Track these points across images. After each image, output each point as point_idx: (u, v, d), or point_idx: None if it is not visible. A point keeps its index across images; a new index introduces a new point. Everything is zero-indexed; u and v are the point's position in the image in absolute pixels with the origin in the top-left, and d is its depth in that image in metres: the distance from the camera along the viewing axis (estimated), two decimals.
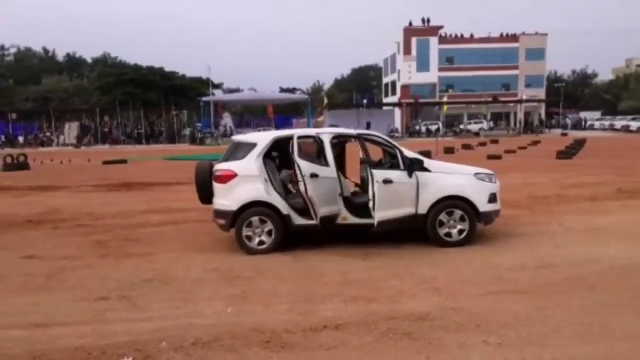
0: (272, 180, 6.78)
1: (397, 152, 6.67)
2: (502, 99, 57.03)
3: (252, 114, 66.87)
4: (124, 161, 23.52)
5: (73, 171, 19.81)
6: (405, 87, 61.92)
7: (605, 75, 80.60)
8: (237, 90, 71.22)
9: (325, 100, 49.39)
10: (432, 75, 61.76)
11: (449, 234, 6.67)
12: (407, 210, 6.55)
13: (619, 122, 52.51)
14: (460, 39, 62.37)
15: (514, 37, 61.84)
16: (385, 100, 70.53)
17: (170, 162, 23.86)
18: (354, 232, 6.96)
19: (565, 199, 10.44)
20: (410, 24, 62.29)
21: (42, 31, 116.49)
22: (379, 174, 6.42)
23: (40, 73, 70.17)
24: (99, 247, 7.19)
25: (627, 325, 4.10)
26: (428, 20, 62.31)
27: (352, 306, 4.65)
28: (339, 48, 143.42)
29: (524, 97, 56.24)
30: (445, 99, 47.91)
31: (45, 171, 19.93)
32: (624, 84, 69.53)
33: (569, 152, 21.74)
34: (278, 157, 7.61)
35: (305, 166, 6.37)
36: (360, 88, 77.09)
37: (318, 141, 6.83)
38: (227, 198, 6.66)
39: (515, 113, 60.21)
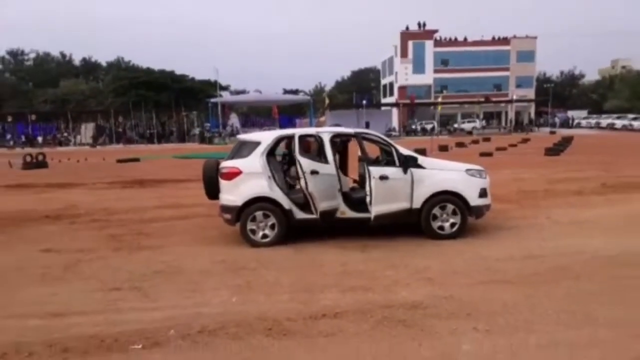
0: (275, 177, 6.77)
1: (393, 149, 6.67)
2: (494, 99, 56.85)
3: (258, 114, 66.83)
4: (137, 159, 23.52)
5: (89, 169, 19.83)
6: (402, 88, 61.70)
7: (591, 76, 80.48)
8: (243, 92, 71.03)
9: (327, 101, 49.26)
10: (427, 77, 61.55)
11: (441, 227, 6.67)
12: (402, 204, 6.55)
13: (604, 121, 52.36)
14: (454, 42, 62.11)
15: (505, 40, 61.54)
16: (383, 100, 70.28)
17: (180, 160, 23.84)
18: (352, 226, 6.96)
19: (552, 193, 10.41)
20: (407, 28, 62.03)
21: (60, 37, 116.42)
22: (376, 171, 6.42)
23: (58, 77, 70.09)
24: (113, 240, 7.21)
25: (609, 313, 4.10)
26: (424, 25, 62.05)
27: (350, 295, 4.66)
28: (339, 51, 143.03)
29: (515, 97, 56.01)
30: (440, 99, 47.65)
31: (63, 169, 19.96)
32: (609, 84, 69.29)
33: (556, 149, 21.69)
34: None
35: (306, 163, 6.37)
36: (360, 89, 76.78)
37: (318, 140, 6.83)
38: (232, 194, 6.66)
39: (506, 112, 60.01)
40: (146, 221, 8.56)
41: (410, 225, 6.77)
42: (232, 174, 6.69)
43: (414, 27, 62.06)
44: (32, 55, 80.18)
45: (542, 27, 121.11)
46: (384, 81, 72.11)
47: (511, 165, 16.67)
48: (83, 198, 11.54)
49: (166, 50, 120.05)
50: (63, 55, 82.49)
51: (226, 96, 57.84)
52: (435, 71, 61.46)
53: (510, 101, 56.37)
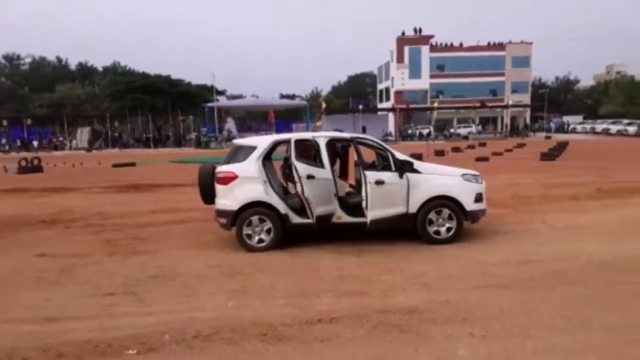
0: (271, 181, 6.77)
1: (389, 154, 6.69)
2: (489, 104, 57.11)
3: (254, 119, 66.79)
4: (132, 164, 23.47)
5: (84, 174, 19.76)
6: (398, 93, 61.91)
7: (586, 81, 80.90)
8: (240, 97, 71.13)
9: (324, 106, 49.31)
10: (423, 82, 61.79)
11: (437, 232, 6.68)
12: (398, 209, 6.56)
13: (599, 126, 52.56)
14: (450, 48, 62.42)
15: (500, 46, 61.88)
16: (379, 105, 70.47)
17: (176, 165, 23.80)
18: (348, 231, 6.96)
19: (548, 198, 10.45)
20: (403, 33, 62.32)
21: (55, 41, 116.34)
22: (372, 175, 6.42)
23: (54, 81, 69.89)
24: (108, 245, 7.18)
25: (604, 318, 4.11)
26: (420, 30, 62.35)
27: (345, 300, 4.64)
28: (336, 56, 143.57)
29: (510, 103, 56.28)
30: (436, 104, 47.76)
31: (58, 174, 19.87)
32: (604, 89, 69.75)
33: (552, 154, 21.78)
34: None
35: (302, 168, 6.38)
36: (356, 94, 77.01)
37: (314, 144, 6.83)
38: (228, 198, 6.65)
39: (502, 117, 60.29)
40: (141, 226, 8.53)
41: (407, 230, 6.77)
42: (228, 179, 6.68)
43: (410, 33, 62.37)
44: (28, 60, 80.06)
45: (537, 32, 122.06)
46: (381, 86, 72.33)
47: (507, 170, 16.72)
48: (78, 202, 11.49)
49: (163, 55, 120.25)
50: (59, 59, 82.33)
51: (222, 101, 57.85)
52: (432, 76, 61.72)
53: (506, 106, 56.65)
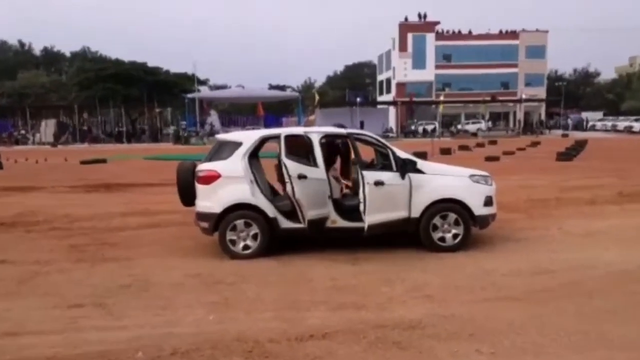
0: (258, 181, 6.76)
1: (390, 152, 6.69)
2: (500, 98, 57.42)
3: (240, 112, 66.78)
4: (103, 161, 23.36)
5: (49, 171, 19.61)
6: (400, 85, 62.16)
7: (608, 74, 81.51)
8: (224, 87, 71.12)
9: (317, 98, 49.44)
10: (428, 73, 62.07)
11: (442, 239, 6.70)
12: (399, 213, 6.57)
13: (621, 123, 53.02)
14: (458, 36, 62.75)
15: (513, 34, 62.31)
16: (379, 98, 70.73)
17: (152, 162, 23.71)
18: (343, 236, 6.96)
19: (564, 202, 10.52)
20: (406, 19, 62.57)
21: (18, 24, 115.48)
22: (370, 176, 6.43)
23: (16, 67, 69.46)
24: (74, 251, 7.13)
25: (625, 333, 4.13)
26: (425, 16, 62.64)
27: (340, 314, 4.64)
28: (331, 44, 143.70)
29: (524, 97, 56.67)
30: (442, 98, 48.14)
31: (20, 171, 19.73)
32: (627, 83, 70.25)
33: (569, 153, 21.91)
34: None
35: (292, 167, 6.36)
36: (354, 86, 77.28)
37: (307, 141, 6.82)
38: (210, 200, 6.63)
39: (514, 113, 60.66)
40: (112, 230, 8.50)
41: (408, 235, 6.79)
42: (210, 178, 6.66)
43: (413, 18, 62.59)
44: None
45: (554, 20, 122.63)
46: (381, 77, 72.55)
47: (519, 170, 16.81)
48: (42, 203, 11.41)
49: (138, 40, 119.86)
50: (22, 43, 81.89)
51: (204, 91, 57.80)
52: (437, 67, 62.01)
53: (519, 101, 57.00)
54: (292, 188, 6.34)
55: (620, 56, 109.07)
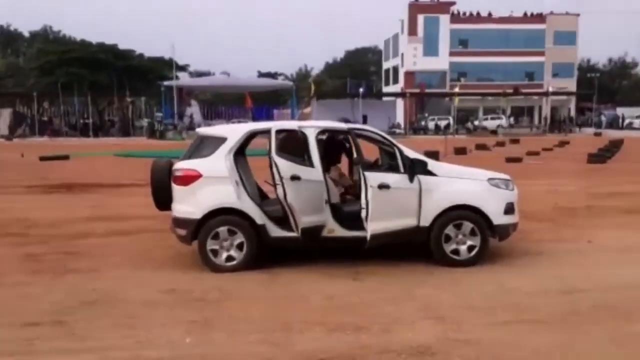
0: (244, 182, 6.76)
1: (397, 151, 6.69)
2: (524, 90, 57.70)
3: (225, 103, 66.82)
4: (65, 157, 23.41)
5: (2, 168, 19.61)
6: (409, 74, 62.37)
7: None
8: (207, 74, 71.13)
9: (313, 88, 49.57)
10: (441, 61, 62.31)
11: (456, 251, 6.70)
12: (406, 221, 6.57)
13: None
14: (476, 18, 63.03)
15: (540, 17, 62.64)
16: (385, 89, 71.03)
17: (123, 160, 23.76)
18: (342, 247, 6.96)
19: (596, 211, 10.57)
20: None
21: None
22: (374, 178, 6.42)
23: None
24: (31, 261, 7.12)
25: None
26: None
27: (337, 337, 4.64)
28: (331, 26, 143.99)
29: (551, 89, 56.91)
30: (457, 90, 48.28)
31: None
32: None
33: (602, 155, 22.03)
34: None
35: (284, 166, 6.34)
36: (356, 74, 77.38)
37: (301, 137, 6.81)
38: (189, 204, 6.62)
39: (540, 108, 60.99)
40: (75, 237, 8.49)
41: (417, 247, 6.79)
42: (189, 178, 6.64)
43: None
44: None
45: (586, 2, 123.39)
46: (387, 65, 72.83)
47: (545, 174, 16.91)
48: None
49: (107, 19, 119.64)
50: None
51: (184, 78, 57.89)
52: (452, 54, 62.26)
53: (546, 94, 57.27)
54: (284, 191, 6.32)
55: None
